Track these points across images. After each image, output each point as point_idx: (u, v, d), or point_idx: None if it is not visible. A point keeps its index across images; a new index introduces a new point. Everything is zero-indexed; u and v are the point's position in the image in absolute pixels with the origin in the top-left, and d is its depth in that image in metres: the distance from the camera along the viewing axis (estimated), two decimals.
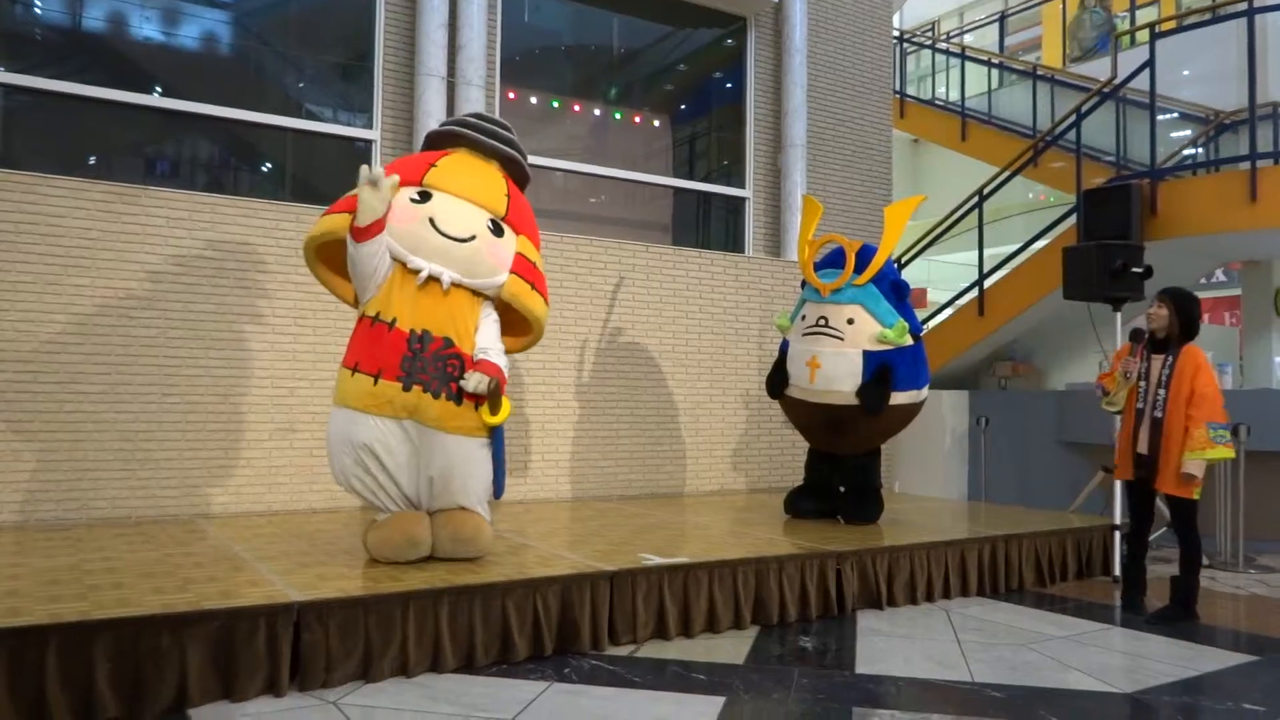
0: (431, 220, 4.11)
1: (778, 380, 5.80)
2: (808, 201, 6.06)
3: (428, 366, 4.00)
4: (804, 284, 5.90)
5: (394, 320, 4.01)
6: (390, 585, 3.61)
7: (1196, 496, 4.62)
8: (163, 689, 3.05)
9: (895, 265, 6.20)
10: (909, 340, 5.51)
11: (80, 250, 5.29)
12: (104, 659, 2.98)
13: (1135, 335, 4.94)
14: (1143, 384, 4.80)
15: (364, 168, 3.98)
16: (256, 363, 5.72)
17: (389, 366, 3.96)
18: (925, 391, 5.73)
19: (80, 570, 3.83)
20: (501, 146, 4.55)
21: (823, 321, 5.54)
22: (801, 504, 5.90)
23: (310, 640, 3.31)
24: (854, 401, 5.41)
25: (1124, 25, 12.82)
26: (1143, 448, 4.77)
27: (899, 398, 5.49)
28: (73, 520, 5.18)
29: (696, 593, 4.20)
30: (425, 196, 4.18)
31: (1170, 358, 4.71)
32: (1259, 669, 3.97)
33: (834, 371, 5.44)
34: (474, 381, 4.01)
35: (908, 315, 5.60)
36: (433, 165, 4.30)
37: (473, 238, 4.16)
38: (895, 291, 5.59)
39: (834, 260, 5.73)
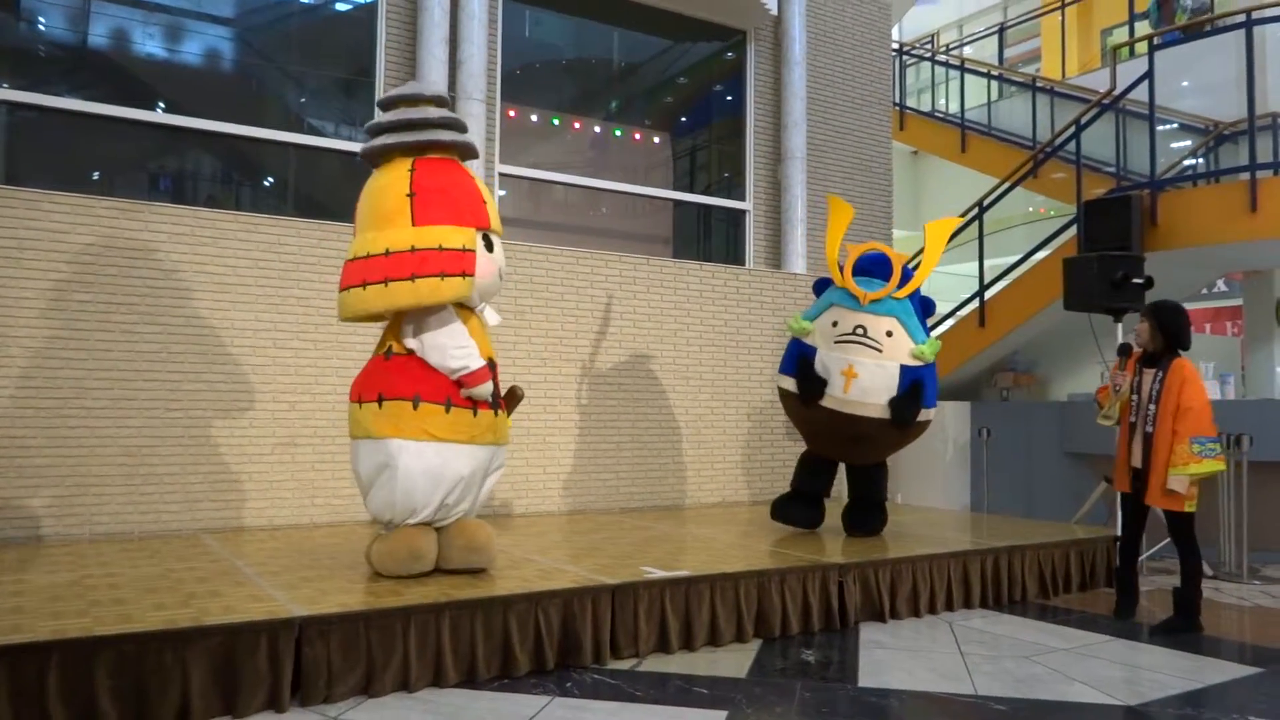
0: (499, 271, 4.28)
1: (815, 385, 5.44)
2: (834, 202, 5.81)
3: (499, 389, 4.24)
4: (820, 284, 5.79)
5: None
6: (392, 600, 3.61)
7: (1189, 509, 4.65)
8: (165, 705, 3.05)
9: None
10: (935, 359, 5.50)
11: (83, 266, 5.31)
12: (106, 675, 2.98)
13: (1124, 350, 4.99)
14: (1134, 398, 4.85)
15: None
16: (259, 378, 5.73)
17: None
18: (934, 410, 5.73)
19: (83, 586, 3.83)
20: (468, 141, 4.42)
21: (860, 330, 5.39)
22: (789, 511, 5.79)
23: (312, 655, 3.31)
24: (884, 415, 5.31)
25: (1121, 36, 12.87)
26: (1136, 461, 4.83)
27: (924, 415, 5.46)
28: (75, 536, 5.19)
29: (698, 606, 4.20)
30: (489, 242, 4.20)
31: (1160, 372, 4.75)
32: (1263, 681, 3.95)
33: (871, 383, 5.31)
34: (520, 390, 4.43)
35: (928, 334, 5.59)
36: (485, 202, 4.24)
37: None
38: (923, 308, 5.57)
39: (871, 269, 5.57)
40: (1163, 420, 4.66)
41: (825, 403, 5.47)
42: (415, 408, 3.99)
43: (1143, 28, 13.26)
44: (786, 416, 6.02)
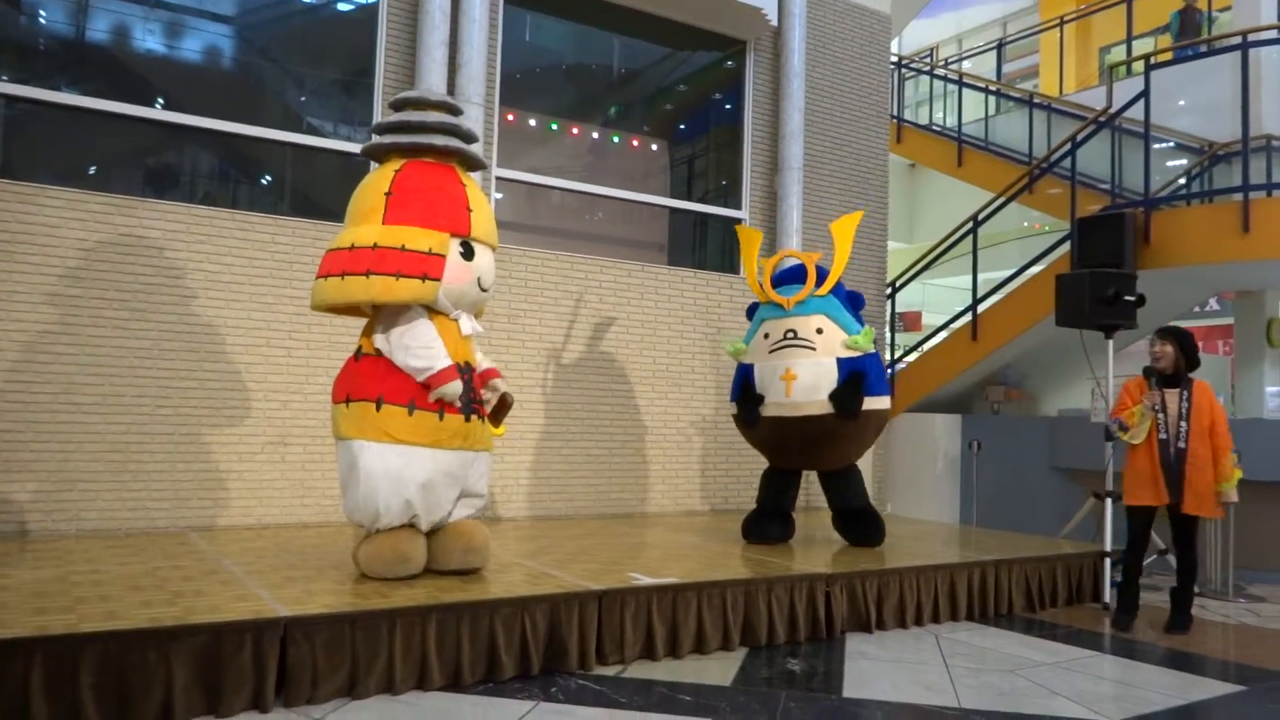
0: (479, 279, 4.27)
1: (753, 403, 5.62)
2: (742, 231, 6.23)
3: (474, 395, 4.22)
4: (751, 310, 5.97)
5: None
6: (378, 602, 3.61)
7: (1223, 515, 5.33)
8: (148, 703, 3.04)
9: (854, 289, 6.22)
10: (873, 346, 5.57)
11: (76, 261, 5.31)
12: (89, 673, 2.97)
13: (1149, 372, 5.21)
14: (1161, 416, 5.09)
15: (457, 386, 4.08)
16: (250, 376, 5.73)
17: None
18: (890, 399, 5.79)
19: (68, 583, 3.82)
20: (473, 153, 4.47)
21: (791, 334, 5.57)
22: (761, 530, 5.79)
23: (296, 656, 3.30)
24: (831, 410, 5.39)
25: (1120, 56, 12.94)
26: (1169, 476, 5.05)
27: (873, 403, 5.51)
28: (62, 532, 5.17)
29: (685, 613, 4.20)
30: (469, 251, 4.20)
31: (1185, 391, 5.09)
32: (1247, 699, 3.97)
33: (812, 380, 5.44)
34: (503, 387, 4.41)
35: (862, 324, 5.69)
36: (470, 210, 4.22)
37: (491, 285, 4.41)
38: (852, 302, 5.71)
39: (788, 277, 5.81)
40: (1197, 437, 5.02)
41: (772, 412, 5.60)
42: (378, 409, 4.00)
43: (1142, 46, 13.34)
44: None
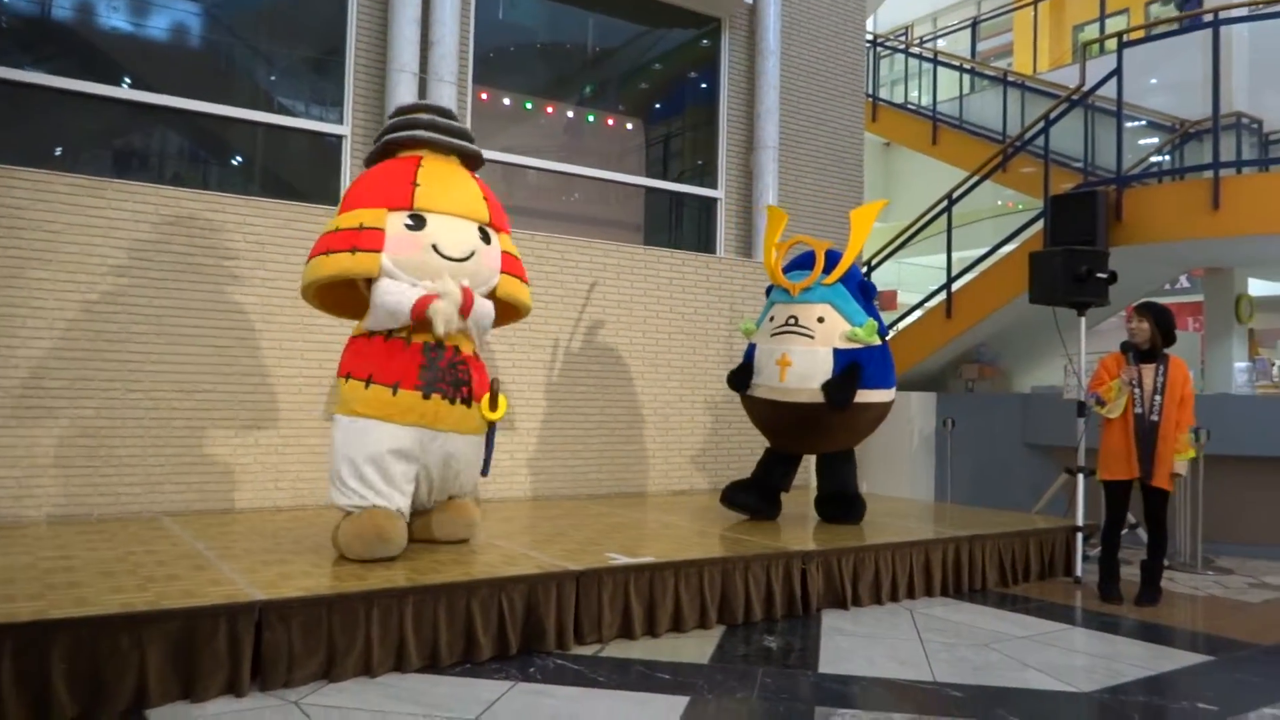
0: (434, 246, 4.24)
1: (743, 376, 5.80)
2: (772, 211, 6.16)
3: (445, 375, 4.21)
4: (769, 289, 5.95)
5: (409, 335, 4.21)
6: (354, 584, 3.59)
7: (1173, 490, 5.31)
8: (121, 690, 3.02)
9: (861, 269, 6.26)
10: (877, 339, 5.56)
11: (43, 243, 5.21)
12: (60, 659, 2.93)
13: (1125, 347, 5.26)
14: (1137, 391, 5.15)
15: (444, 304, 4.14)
16: (222, 359, 5.66)
17: (407, 377, 4.14)
18: (894, 392, 5.77)
19: (38, 569, 3.78)
20: (463, 144, 4.61)
21: (793, 320, 5.58)
22: (737, 496, 5.84)
23: (272, 640, 3.28)
24: (823, 399, 5.43)
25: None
26: (1141, 449, 5.14)
27: (869, 396, 5.52)
28: (31, 517, 5.10)
29: (662, 592, 4.21)
30: (419, 221, 4.25)
31: (1161, 366, 5.17)
32: (1214, 669, 4.04)
33: (806, 369, 5.46)
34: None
35: (874, 315, 5.66)
36: (415, 184, 4.30)
37: (472, 254, 4.34)
38: (863, 292, 5.66)
39: (802, 263, 5.78)
40: (1169, 410, 5.11)
41: (765, 394, 5.66)
42: (346, 383, 4.21)
43: (1115, 24, 13.40)
44: None
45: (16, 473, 5.09)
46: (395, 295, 4.13)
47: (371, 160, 4.67)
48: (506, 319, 4.85)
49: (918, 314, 9.32)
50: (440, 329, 4.10)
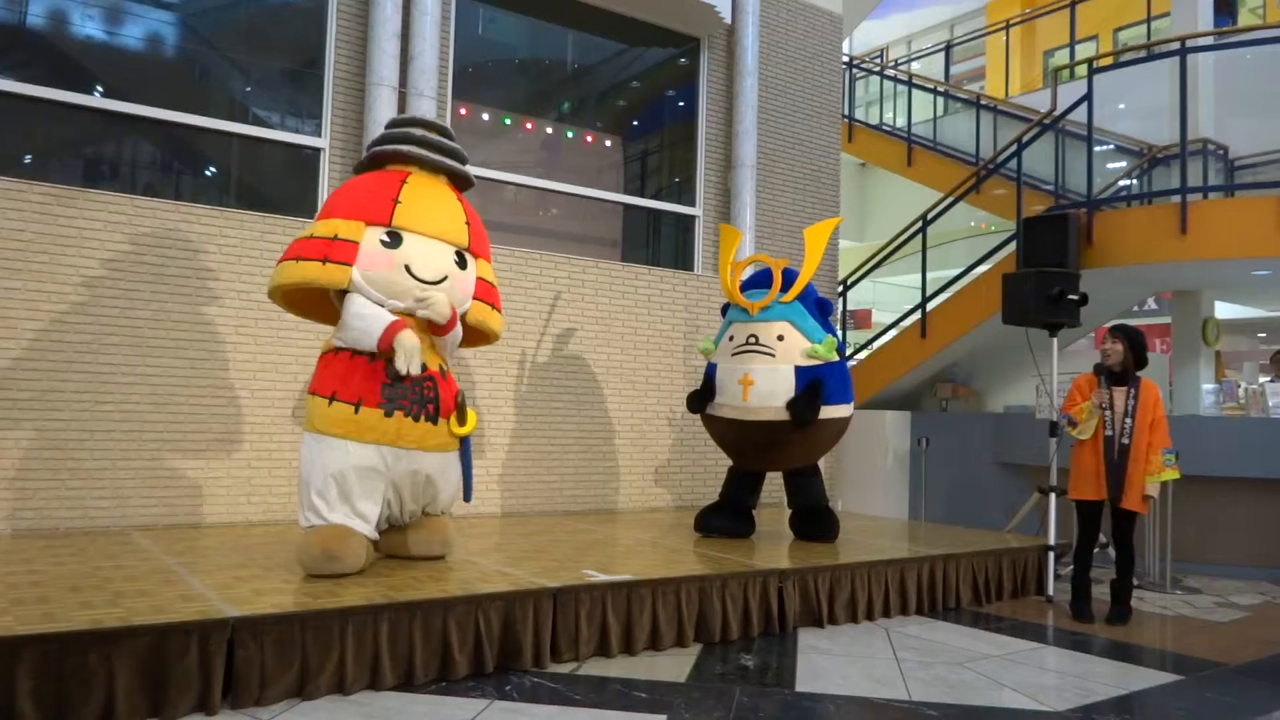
0: (407, 267, 4.22)
1: (701, 397, 5.84)
2: (725, 229, 6.22)
3: (407, 393, 4.17)
4: (726, 308, 6.01)
5: (373, 353, 4.16)
6: (329, 601, 3.55)
7: (1146, 512, 5.32)
8: (88, 708, 2.95)
9: (837, 288, 6.30)
10: (836, 356, 5.62)
11: (13, 253, 5.14)
12: (27, 676, 2.87)
13: (1099, 369, 5.34)
14: (1108, 412, 5.21)
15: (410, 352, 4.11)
16: (195, 371, 5.60)
17: (369, 395, 4.10)
18: (852, 407, 5.84)
19: (4, 584, 3.70)
20: (453, 164, 4.60)
21: (753, 339, 5.62)
22: (711, 521, 5.88)
23: (244, 657, 3.24)
24: (787, 417, 5.47)
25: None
26: (1110, 471, 5.18)
27: (830, 411, 5.57)
28: None
29: (640, 610, 4.20)
30: (395, 239, 4.22)
31: (1133, 389, 5.22)
32: (1184, 688, 4.08)
33: (769, 387, 5.51)
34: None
35: (831, 332, 5.74)
36: (396, 201, 4.27)
37: (444, 279, 4.32)
38: (819, 309, 5.74)
39: (760, 281, 5.84)
40: (1139, 433, 5.15)
41: (729, 413, 5.71)
42: (313, 400, 4.18)
43: (1085, 50, 13.63)
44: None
45: None
46: (366, 321, 4.12)
47: (360, 169, 4.65)
48: (474, 343, 4.84)
49: (893, 333, 9.39)
50: (401, 366, 4.07)
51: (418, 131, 4.54)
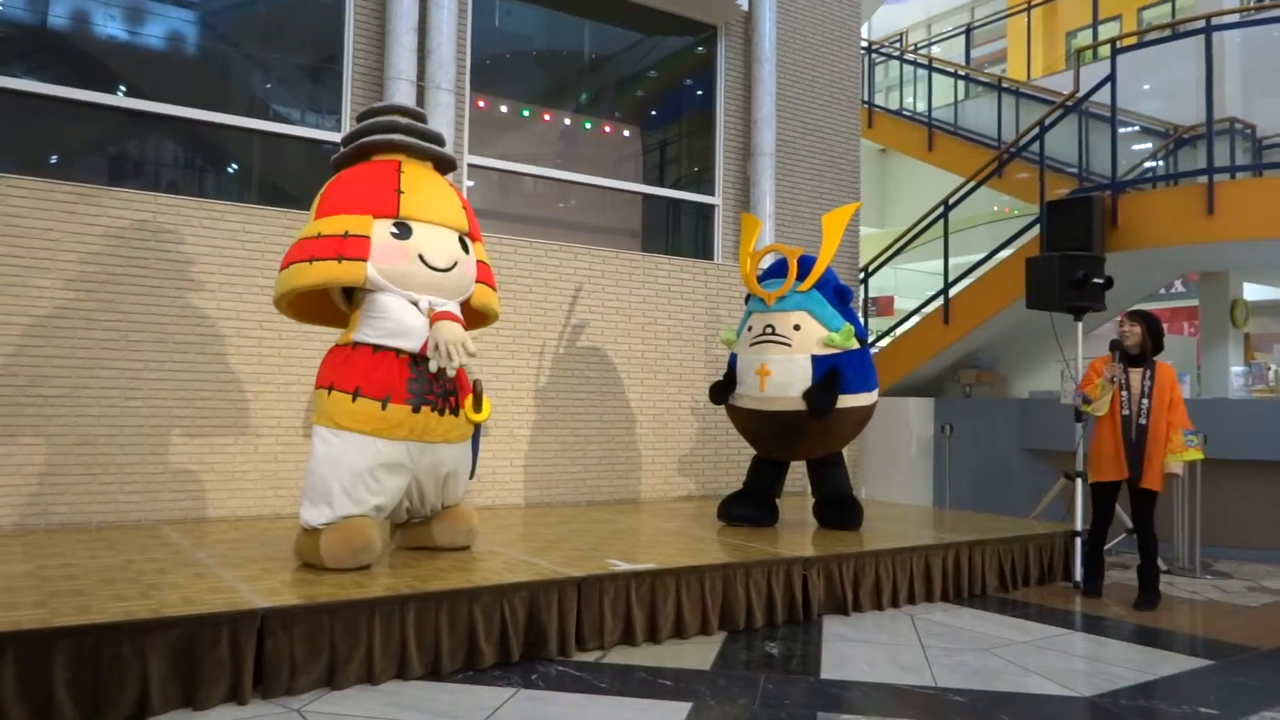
0: (421, 256, 4.22)
1: (723, 389, 5.86)
2: (746, 218, 6.20)
3: (432, 387, 4.18)
4: (748, 298, 5.99)
5: (398, 349, 4.15)
6: (356, 592, 3.59)
7: (1163, 490, 5.33)
8: (123, 698, 3.01)
9: (858, 274, 6.27)
10: (855, 343, 5.58)
11: (41, 251, 5.21)
12: (63, 667, 2.93)
13: (1114, 345, 5.37)
14: (1124, 394, 5.25)
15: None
16: (220, 366, 5.66)
17: (396, 391, 4.09)
18: (875, 395, 5.79)
19: (39, 577, 3.77)
20: (442, 150, 4.60)
21: (769, 329, 5.60)
22: (735, 510, 5.88)
23: (274, 647, 3.28)
24: (804, 407, 5.44)
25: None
26: (1130, 451, 5.23)
27: (849, 400, 5.54)
28: (32, 526, 5.09)
29: (664, 599, 4.22)
30: (405, 229, 4.21)
31: (1149, 370, 5.28)
32: (1214, 673, 4.05)
33: (785, 378, 5.49)
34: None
35: (852, 320, 5.69)
36: (400, 192, 4.26)
37: (455, 265, 4.33)
38: (839, 296, 5.69)
39: (777, 271, 5.82)
40: (1157, 413, 5.20)
41: (747, 404, 5.71)
42: (329, 395, 4.12)
43: (1108, 30, 13.46)
44: None
45: (16, 481, 5.08)
46: (407, 323, 4.15)
47: (342, 163, 4.58)
48: (473, 325, 4.79)
49: (915, 320, 9.34)
50: (437, 365, 4.10)
51: (404, 120, 4.50)
